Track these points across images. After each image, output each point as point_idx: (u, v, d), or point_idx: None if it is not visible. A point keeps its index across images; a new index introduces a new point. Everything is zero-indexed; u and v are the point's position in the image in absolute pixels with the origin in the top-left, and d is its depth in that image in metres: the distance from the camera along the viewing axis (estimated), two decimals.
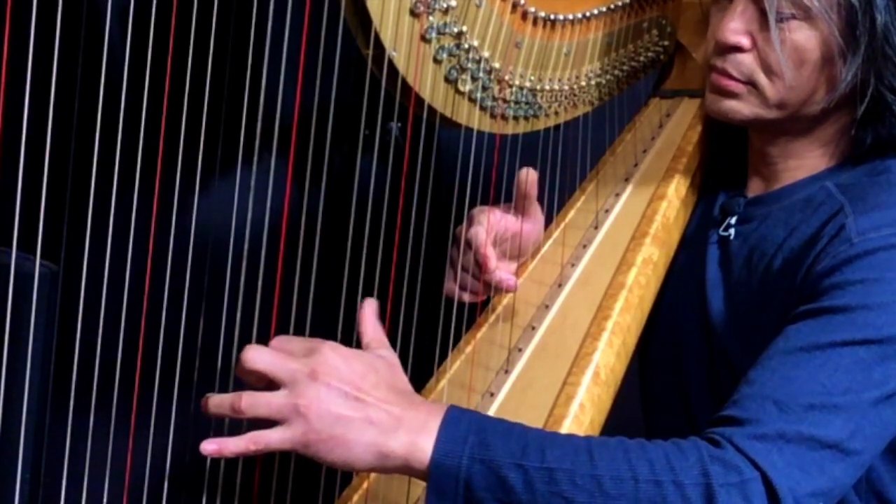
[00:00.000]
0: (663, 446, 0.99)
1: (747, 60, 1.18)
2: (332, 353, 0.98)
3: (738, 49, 1.18)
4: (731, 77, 1.20)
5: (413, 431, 0.96)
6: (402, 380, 1.02)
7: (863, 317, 1.05)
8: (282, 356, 0.98)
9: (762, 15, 1.15)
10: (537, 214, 1.32)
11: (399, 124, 1.12)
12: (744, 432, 0.99)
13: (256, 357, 0.98)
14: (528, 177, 1.25)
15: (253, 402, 0.96)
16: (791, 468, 0.98)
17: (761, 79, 1.18)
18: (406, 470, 0.98)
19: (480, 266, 1.26)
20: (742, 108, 1.21)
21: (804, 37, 1.14)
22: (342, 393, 0.96)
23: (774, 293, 1.17)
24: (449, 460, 0.95)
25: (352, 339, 1.09)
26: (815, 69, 1.16)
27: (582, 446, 0.98)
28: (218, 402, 0.98)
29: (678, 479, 0.96)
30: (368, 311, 1.08)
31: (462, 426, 0.97)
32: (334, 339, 1.06)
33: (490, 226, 1.26)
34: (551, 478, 0.95)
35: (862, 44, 1.12)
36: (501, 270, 1.26)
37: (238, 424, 1.01)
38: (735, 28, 1.18)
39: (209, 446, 0.96)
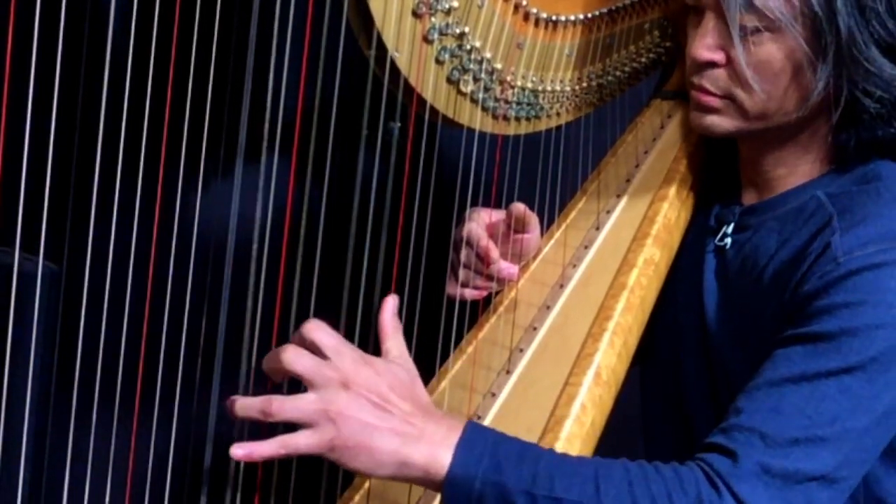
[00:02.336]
0: (665, 479, 1.03)
1: (723, 75, 1.19)
2: (364, 365, 1.00)
3: (712, 65, 1.19)
4: (709, 93, 1.20)
5: (434, 444, 1.00)
6: (424, 393, 1.05)
7: (847, 343, 1.06)
8: (318, 362, 0.99)
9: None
10: (534, 223, 1.34)
11: (398, 125, 1.11)
12: (732, 468, 1.03)
13: (295, 359, 0.99)
14: (525, 213, 1.28)
15: (283, 406, 0.98)
16: (775, 502, 1.02)
17: (738, 92, 1.18)
18: (423, 481, 1.02)
19: (482, 258, 1.28)
20: (723, 122, 1.21)
21: (773, 48, 1.14)
22: (371, 403, 0.99)
23: (766, 305, 1.17)
24: (463, 479, 0.99)
25: (353, 337, 1.09)
26: (787, 79, 1.16)
27: (589, 476, 1.02)
28: (247, 404, 0.99)
29: None
30: (389, 315, 1.08)
31: (478, 446, 1.00)
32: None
33: (486, 222, 1.29)
34: None
35: (829, 51, 1.12)
36: (502, 261, 1.29)
37: (237, 428, 1.01)
38: (707, 44, 1.18)
39: (238, 451, 0.98)
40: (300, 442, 0.98)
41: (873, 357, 1.06)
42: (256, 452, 0.98)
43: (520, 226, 1.30)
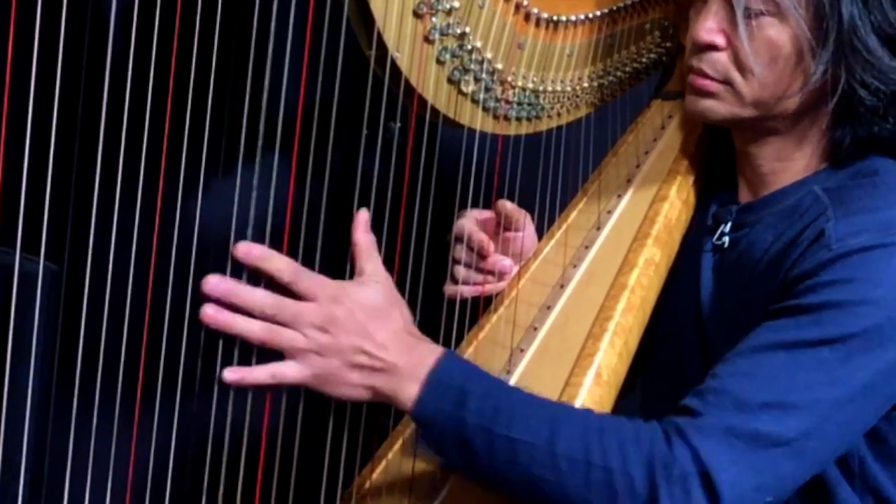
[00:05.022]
0: (621, 433, 1.03)
1: (722, 59, 1.19)
2: (340, 303, 1.03)
3: (713, 48, 1.19)
4: (707, 76, 1.20)
5: (403, 378, 1.04)
6: (400, 315, 1.08)
7: (829, 316, 1.06)
8: (300, 308, 1.03)
9: (735, 13, 1.16)
10: (525, 221, 1.35)
11: (399, 125, 1.12)
12: (696, 425, 1.02)
13: (281, 308, 1.02)
14: (512, 210, 1.31)
15: (276, 335, 1.02)
16: (737, 464, 1.01)
17: (736, 77, 1.18)
18: (399, 408, 1.06)
19: (480, 252, 1.30)
20: (719, 107, 1.21)
21: (775, 32, 1.15)
22: (351, 345, 1.03)
23: (757, 296, 1.17)
24: (427, 411, 1.03)
25: None
26: (787, 65, 1.16)
27: (547, 419, 1.03)
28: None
29: (627, 469, 1.01)
30: (362, 232, 1.09)
31: (446, 379, 1.04)
32: None
33: (478, 220, 1.31)
34: (512, 448, 1.01)
35: (830, 37, 1.12)
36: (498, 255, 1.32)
37: (238, 430, 1.01)
38: (709, 27, 1.18)
39: (230, 375, 1.02)
40: (287, 373, 1.03)
41: (854, 333, 1.05)
42: (249, 377, 1.03)
43: (508, 222, 1.31)
